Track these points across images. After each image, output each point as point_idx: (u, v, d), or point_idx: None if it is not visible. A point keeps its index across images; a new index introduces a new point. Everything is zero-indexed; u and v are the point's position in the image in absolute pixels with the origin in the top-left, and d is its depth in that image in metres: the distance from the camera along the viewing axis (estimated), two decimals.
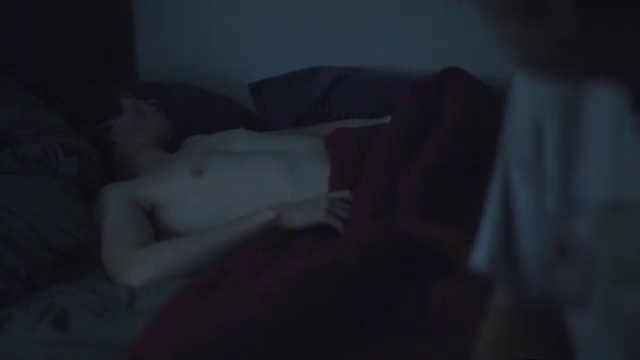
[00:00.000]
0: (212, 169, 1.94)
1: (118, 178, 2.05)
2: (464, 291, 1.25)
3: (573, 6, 0.66)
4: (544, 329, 0.91)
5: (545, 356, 0.91)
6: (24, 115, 1.98)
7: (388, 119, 1.95)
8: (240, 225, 1.75)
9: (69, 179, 1.90)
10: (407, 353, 1.16)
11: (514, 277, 0.86)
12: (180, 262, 1.71)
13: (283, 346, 1.18)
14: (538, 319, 0.90)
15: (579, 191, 0.80)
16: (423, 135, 1.75)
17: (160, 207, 1.91)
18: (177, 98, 2.38)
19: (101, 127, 2.12)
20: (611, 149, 0.78)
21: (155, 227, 1.88)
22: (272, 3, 2.56)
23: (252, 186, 1.88)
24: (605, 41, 0.69)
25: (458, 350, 1.12)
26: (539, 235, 0.84)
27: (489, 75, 2.10)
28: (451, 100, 1.82)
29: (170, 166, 2.00)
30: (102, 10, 2.60)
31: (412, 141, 1.75)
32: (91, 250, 1.81)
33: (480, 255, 0.88)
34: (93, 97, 2.21)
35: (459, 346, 1.12)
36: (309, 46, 2.55)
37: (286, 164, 1.91)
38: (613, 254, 0.77)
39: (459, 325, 1.16)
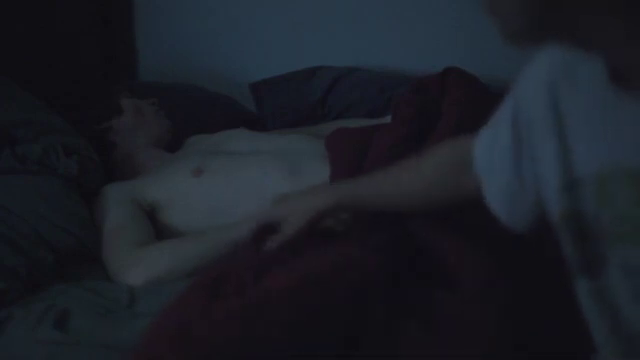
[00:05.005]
0: (212, 169, 1.94)
1: (118, 178, 2.05)
2: (463, 293, 1.25)
3: None
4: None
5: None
6: (24, 115, 1.98)
7: (388, 119, 1.95)
8: (241, 227, 1.75)
9: (69, 179, 1.91)
10: (411, 356, 1.16)
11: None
12: (181, 262, 1.71)
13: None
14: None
15: (576, 166, 0.83)
16: (423, 135, 1.75)
17: (160, 207, 1.92)
18: (177, 98, 2.39)
19: (101, 127, 2.12)
20: (597, 121, 0.82)
21: (156, 227, 1.88)
22: (272, 3, 2.57)
23: (252, 186, 1.88)
24: (564, 19, 0.74)
25: (461, 352, 1.12)
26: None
27: (489, 75, 2.10)
28: (451, 100, 1.82)
29: (170, 166, 2.01)
30: (102, 10, 2.61)
31: (412, 141, 1.75)
32: (92, 250, 1.81)
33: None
34: (93, 97, 2.21)
35: (462, 349, 1.12)
36: (309, 46, 2.55)
37: (286, 164, 1.91)
38: (615, 216, 0.81)
39: (460, 327, 1.16)
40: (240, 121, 2.33)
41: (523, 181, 0.96)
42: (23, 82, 2.11)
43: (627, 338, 0.85)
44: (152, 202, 1.92)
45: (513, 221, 1.03)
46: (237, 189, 1.89)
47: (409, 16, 2.44)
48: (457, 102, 1.80)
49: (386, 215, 1.58)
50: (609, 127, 0.81)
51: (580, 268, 0.88)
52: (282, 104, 2.41)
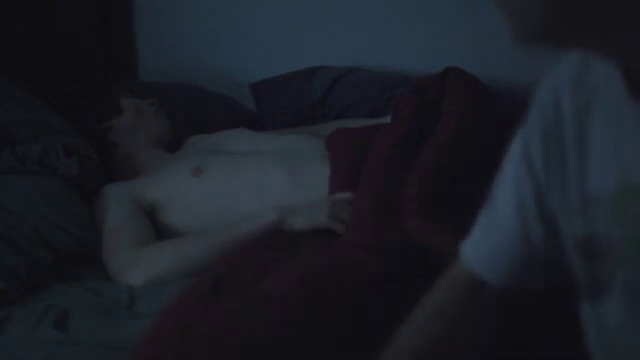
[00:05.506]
0: (212, 168, 1.94)
1: (118, 178, 2.05)
2: None
3: None
4: (487, 308, 0.96)
5: (473, 335, 0.96)
6: (24, 115, 1.98)
7: (388, 119, 1.95)
8: (242, 226, 1.75)
9: (69, 179, 1.91)
10: None
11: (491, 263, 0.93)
12: (181, 262, 1.71)
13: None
14: (486, 298, 0.95)
15: (591, 183, 0.81)
16: (423, 135, 1.75)
17: (160, 206, 1.91)
18: (177, 98, 2.38)
19: (101, 127, 2.12)
20: (612, 134, 0.79)
21: (155, 226, 1.88)
22: (272, 3, 2.57)
23: (252, 185, 1.88)
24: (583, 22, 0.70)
25: None
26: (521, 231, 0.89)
27: (489, 75, 2.10)
28: (451, 100, 1.82)
29: (170, 165, 2.01)
30: (102, 10, 2.60)
31: (412, 141, 1.75)
32: (92, 250, 1.81)
33: (468, 247, 0.96)
34: (93, 97, 2.21)
35: None
36: (309, 46, 2.55)
37: (286, 164, 1.91)
38: (626, 235, 0.79)
39: None
40: (240, 121, 2.33)
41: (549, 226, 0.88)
42: (23, 82, 2.11)
43: None
44: (152, 202, 1.92)
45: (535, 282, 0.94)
46: (237, 189, 1.89)
47: (409, 16, 2.44)
48: (457, 102, 1.80)
49: (382, 215, 1.58)
50: (625, 142, 0.78)
51: (586, 292, 0.86)
52: (282, 104, 2.41)
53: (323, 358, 1.19)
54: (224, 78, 2.61)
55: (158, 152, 2.13)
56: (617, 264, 0.80)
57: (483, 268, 0.94)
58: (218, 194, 1.89)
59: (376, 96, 2.33)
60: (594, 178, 0.81)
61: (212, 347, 1.19)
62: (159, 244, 1.78)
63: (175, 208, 1.91)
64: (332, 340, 1.21)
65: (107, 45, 2.62)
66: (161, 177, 1.97)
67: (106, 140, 2.12)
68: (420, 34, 2.44)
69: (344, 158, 1.85)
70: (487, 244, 0.94)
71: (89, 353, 1.46)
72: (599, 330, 0.85)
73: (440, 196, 1.56)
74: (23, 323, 1.53)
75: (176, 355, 1.18)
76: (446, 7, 2.38)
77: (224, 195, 1.89)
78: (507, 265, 0.92)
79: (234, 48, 2.62)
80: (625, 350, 0.83)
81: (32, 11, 2.35)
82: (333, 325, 1.23)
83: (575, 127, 0.83)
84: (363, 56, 2.48)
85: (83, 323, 1.53)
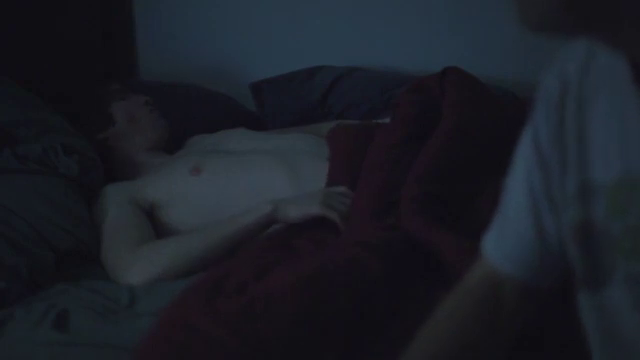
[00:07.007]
0: (211, 168, 1.94)
1: (118, 178, 2.05)
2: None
3: None
4: (506, 311, 0.95)
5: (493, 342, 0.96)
6: (25, 115, 1.98)
7: (388, 119, 1.95)
8: (238, 220, 1.75)
9: (70, 179, 1.91)
10: None
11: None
12: (179, 259, 1.71)
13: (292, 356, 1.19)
14: (506, 299, 0.95)
15: (592, 174, 0.81)
16: (423, 135, 1.75)
17: (160, 206, 1.91)
18: (178, 98, 2.39)
19: (97, 139, 2.10)
20: (616, 126, 0.78)
21: (155, 226, 1.88)
22: (272, 3, 2.57)
23: (252, 185, 1.88)
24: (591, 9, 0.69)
25: None
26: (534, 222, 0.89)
27: (489, 75, 2.10)
28: (450, 100, 1.82)
29: (169, 165, 2.01)
30: (102, 9, 2.61)
31: (412, 141, 1.75)
32: (92, 250, 1.82)
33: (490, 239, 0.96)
34: (85, 109, 2.18)
35: None
36: (309, 46, 2.55)
37: (286, 163, 1.91)
38: (626, 227, 0.78)
39: None
40: (240, 121, 2.33)
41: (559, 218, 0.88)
42: (23, 82, 2.11)
43: (626, 356, 0.84)
44: (152, 202, 1.92)
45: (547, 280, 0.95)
46: (237, 188, 1.89)
47: (409, 16, 2.44)
48: (456, 102, 1.80)
49: (382, 215, 1.58)
50: (628, 134, 0.77)
51: (583, 281, 0.85)
52: (282, 104, 2.41)
53: (323, 358, 1.19)
54: (224, 78, 2.61)
55: (157, 153, 2.12)
56: (617, 255, 0.80)
57: (503, 260, 0.94)
58: (217, 193, 1.89)
59: (376, 96, 2.33)
60: (594, 168, 0.81)
61: (213, 346, 1.19)
62: (157, 242, 1.78)
63: (175, 208, 1.91)
64: (332, 340, 1.21)
65: (107, 45, 2.62)
66: (161, 177, 1.97)
67: (105, 147, 2.11)
68: (420, 34, 2.44)
69: (343, 152, 1.86)
70: (505, 235, 0.94)
71: (89, 353, 1.46)
72: (600, 321, 0.85)
73: (439, 196, 1.57)
74: (24, 323, 1.53)
75: (177, 354, 1.18)
76: (446, 7, 2.39)
77: (223, 194, 1.89)
78: (526, 256, 0.92)
79: (234, 48, 2.62)
80: (629, 342, 0.83)
81: (32, 11, 2.35)
82: (333, 325, 1.23)
83: (578, 115, 0.82)
84: (363, 56, 2.48)
85: (83, 323, 1.53)
